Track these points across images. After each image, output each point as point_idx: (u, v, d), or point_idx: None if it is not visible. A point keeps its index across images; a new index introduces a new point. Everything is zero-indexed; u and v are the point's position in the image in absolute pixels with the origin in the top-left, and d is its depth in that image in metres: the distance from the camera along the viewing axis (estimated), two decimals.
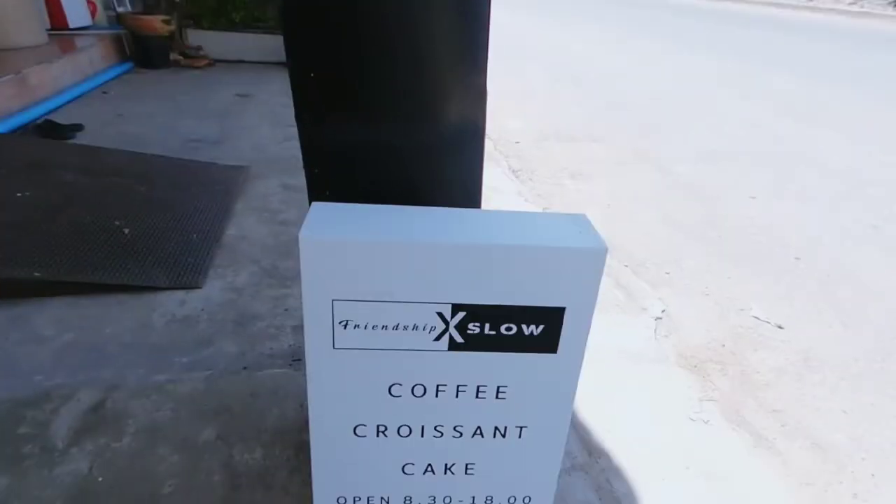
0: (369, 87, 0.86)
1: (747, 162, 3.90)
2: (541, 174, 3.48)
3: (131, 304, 1.79)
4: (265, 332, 1.72)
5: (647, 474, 1.38)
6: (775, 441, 1.57)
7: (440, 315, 0.76)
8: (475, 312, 0.76)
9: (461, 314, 0.76)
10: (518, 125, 4.45)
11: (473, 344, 0.78)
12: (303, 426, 1.38)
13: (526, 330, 0.78)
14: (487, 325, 0.77)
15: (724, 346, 1.96)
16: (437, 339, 0.77)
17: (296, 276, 2.02)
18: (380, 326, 0.75)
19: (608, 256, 0.73)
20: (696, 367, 1.84)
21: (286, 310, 1.83)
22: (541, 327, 0.77)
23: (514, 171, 3.48)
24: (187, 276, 1.93)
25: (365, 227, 0.73)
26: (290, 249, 2.19)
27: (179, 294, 1.85)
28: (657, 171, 3.63)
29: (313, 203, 0.79)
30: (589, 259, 0.73)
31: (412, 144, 0.95)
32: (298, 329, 1.76)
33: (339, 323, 0.75)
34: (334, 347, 0.77)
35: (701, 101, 5.64)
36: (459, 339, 0.78)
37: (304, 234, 0.70)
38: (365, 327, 0.75)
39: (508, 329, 0.77)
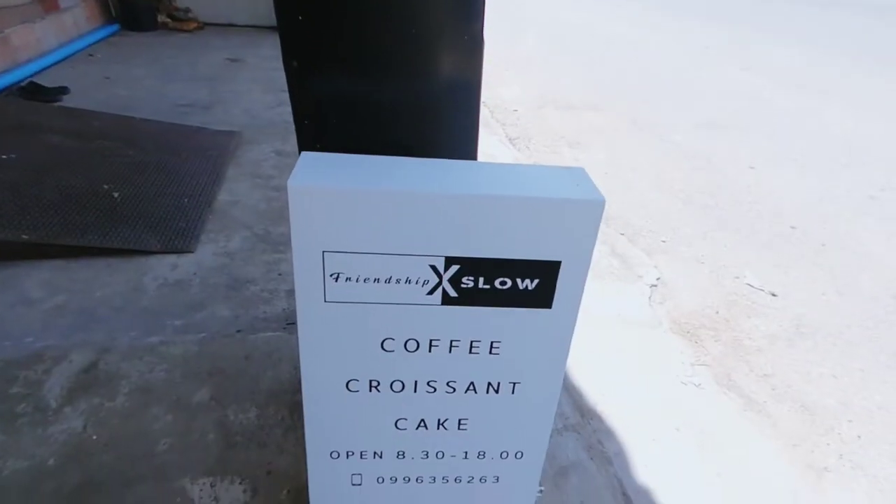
0: (359, 36, 0.82)
1: (747, 132, 3.86)
2: (538, 142, 3.43)
3: (122, 267, 1.77)
4: (259, 296, 1.70)
5: (639, 435, 1.40)
6: (765, 404, 1.59)
7: (433, 268, 0.74)
8: (469, 266, 0.74)
9: (455, 267, 0.74)
10: (516, 93, 4.37)
11: (467, 298, 0.77)
12: (297, 388, 1.38)
13: (521, 284, 0.76)
14: (482, 279, 0.75)
15: (717, 312, 1.97)
16: (431, 293, 0.76)
17: (289, 241, 2.00)
18: (372, 279, 0.74)
19: (604, 224, 0.72)
20: (689, 333, 1.85)
21: (279, 274, 1.82)
22: (535, 282, 0.76)
23: (511, 139, 3.43)
24: (179, 240, 1.90)
25: (356, 177, 0.71)
26: (283, 215, 2.17)
27: (171, 258, 1.83)
28: (656, 140, 3.59)
29: (303, 153, 0.76)
30: (586, 211, 0.71)
31: (405, 97, 0.92)
32: (292, 293, 1.74)
33: (331, 276, 0.73)
34: (325, 301, 0.75)
35: (702, 71, 5.55)
36: (453, 294, 0.76)
37: (293, 183, 0.68)
38: (357, 280, 0.74)
39: (503, 283, 0.76)
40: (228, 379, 1.39)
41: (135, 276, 1.74)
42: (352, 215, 0.69)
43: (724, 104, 4.50)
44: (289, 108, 0.98)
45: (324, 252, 0.71)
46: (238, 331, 1.56)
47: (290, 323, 1.61)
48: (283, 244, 1.98)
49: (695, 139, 3.65)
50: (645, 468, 1.31)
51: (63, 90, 3.12)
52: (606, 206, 0.72)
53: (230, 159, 2.55)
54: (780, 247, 2.43)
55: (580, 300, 0.79)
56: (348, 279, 0.74)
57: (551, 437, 1.34)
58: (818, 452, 1.45)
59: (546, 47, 6.34)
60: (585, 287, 0.78)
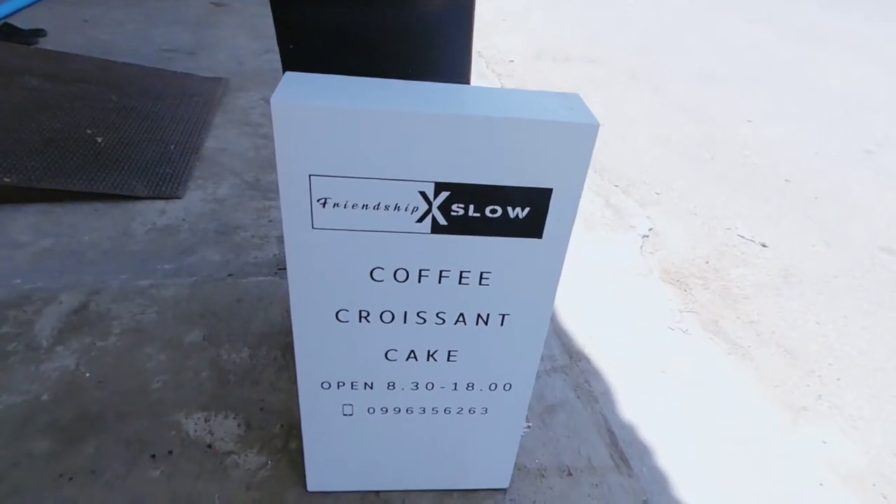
0: None
1: (746, 85, 3.79)
2: None
3: (109, 212, 1.74)
4: (249, 242, 1.69)
5: (625, 376, 1.43)
6: (749, 349, 1.62)
7: (423, 195, 0.73)
8: (459, 192, 0.73)
9: (445, 194, 0.73)
10: (513, 44, 4.23)
11: (457, 227, 0.76)
12: (289, 330, 1.39)
13: (511, 213, 0.75)
14: (472, 207, 0.74)
15: (707, 262, 1.98)
16: (420, 220, 0.75)
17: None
18: (360, 206, 0.73)
19: (599, 176, 0.70)
20: (678, 281, 1.87)
21: (270, 221, 1.80)
22: (526, 210, 0.75)
23: None
24: (166, 185, 1.87)
25: (343, 96, 0.68)
26: (272, 163, 2.12)
27: (159, 204, 1.80)
28: (653, 93, 3.52)
29: (287, 73, 0.73)
30: (579, 135, 0.70)
31: (395, 23, 0.88)
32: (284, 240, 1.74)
33: (318, 201, 0.72)
34: (313, 227, 0.74)
35: (703, 24, 5.38)
36: (443, 221, 0.75)
37: (276, 100, 0.65)
38: (345, 206, 0.72)
39: (493, 211, 0.75)
40: (221, 321, 1.40)
41: (122, 220, 1.71)
42: (339, 136, 0.67)
43: (725, 56, 4.39)
44: (277, 56, 0.94)
45: (310, 176, 0.70)
46: (229, 275, 1.55)
47: (280, 268, 1.61)
48: (273, 191, 1.95)
49: (693, 92, 3.58)
50: (630, 407, 1.35)
51: (39, 32, 2.98)
52: (601, 158, 0.70)
53: (217, 106, 2.47)
54: (773, 199, 2.43)
55: (571, 230, 0.79)
56: (336, 205, 0.72)
57: (539, 377, 1.37)
58: (798, 393, 1.49)
59: None
60: (578, 236, 0.77)
